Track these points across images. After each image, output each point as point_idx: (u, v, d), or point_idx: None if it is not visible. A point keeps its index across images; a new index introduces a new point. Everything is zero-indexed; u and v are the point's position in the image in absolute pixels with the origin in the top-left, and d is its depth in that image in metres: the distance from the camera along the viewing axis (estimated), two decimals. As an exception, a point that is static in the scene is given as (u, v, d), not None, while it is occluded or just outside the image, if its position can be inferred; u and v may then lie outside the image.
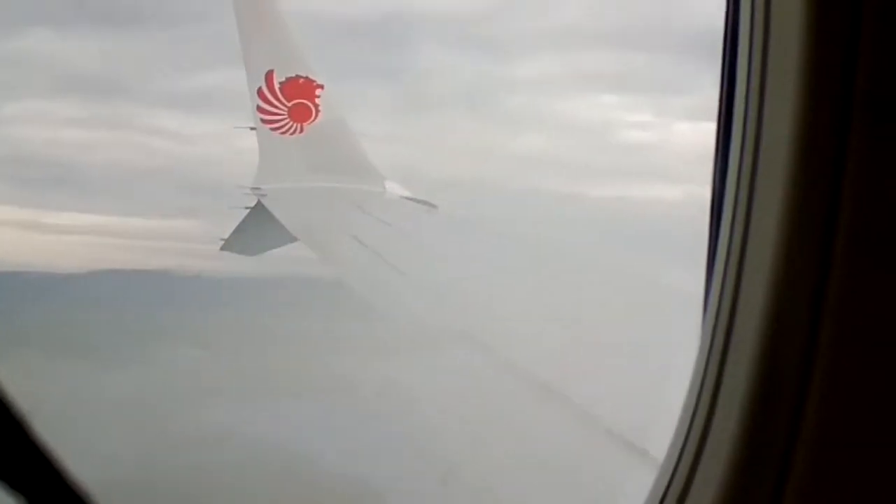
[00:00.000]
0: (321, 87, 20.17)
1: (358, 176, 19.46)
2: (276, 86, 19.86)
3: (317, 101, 20.07)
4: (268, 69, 19.87)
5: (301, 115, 20.01)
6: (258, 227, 18.66)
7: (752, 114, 1.69)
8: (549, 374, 7.34)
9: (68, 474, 1.40)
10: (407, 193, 19.14)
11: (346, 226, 16.32)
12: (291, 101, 19.94)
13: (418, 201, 18.55)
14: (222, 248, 20.06)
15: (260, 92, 19.86)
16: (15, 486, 1.35)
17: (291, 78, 19.93)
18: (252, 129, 20.05)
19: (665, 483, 1.87)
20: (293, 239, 17.12)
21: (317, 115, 20.08)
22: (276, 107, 19.92)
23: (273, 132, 19.93)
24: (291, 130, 19.99)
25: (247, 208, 19.14)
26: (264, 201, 18.66)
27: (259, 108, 19.92)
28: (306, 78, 20.08)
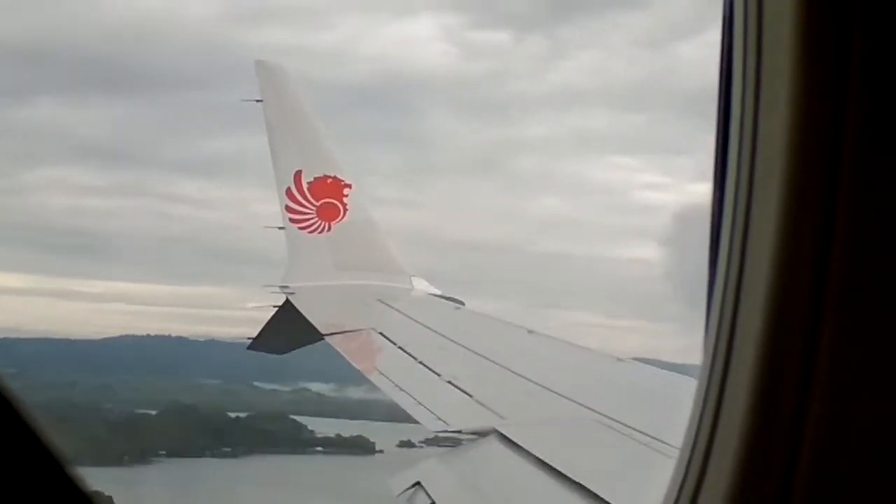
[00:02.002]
0: (349, 186, 20.39)
1: (385, 273, 19.55)
2: (305, 186, 20.09)
3: (345, 200, 20.28)
4: (296, 170, 20.13)
5: (329, 214, 20.20)
6: (286, 326, 18.69)
7: (748, 125, 1.73)
8: (577, 471, 7.26)
9: (75, 474, 1.42)
10: (435, 290, 19.18)
11: (374, 324, 16.32)
12: (320, 200, 20.14)
13: (446, 298, 18.57)
14: (249, 348, 20.10)
15: (289, 192, 20.09)
16: (24, 487, 1.37)
17: (320, 178, 20.17)
18: (280, 228, 20.24)
19: (679, 483, 1.88)
20: (321, 337, 17.11)
21: (345, 214, 20.27)
22: (304, 206, 20.13)
23: (301, 231, 20.10)
24: (319, 229, 20.17)
25: (274, 304, 19.17)
26: (293, 299, 18.71)
27: (287, 208, 20.13)
28: (334, 178, 20.32)
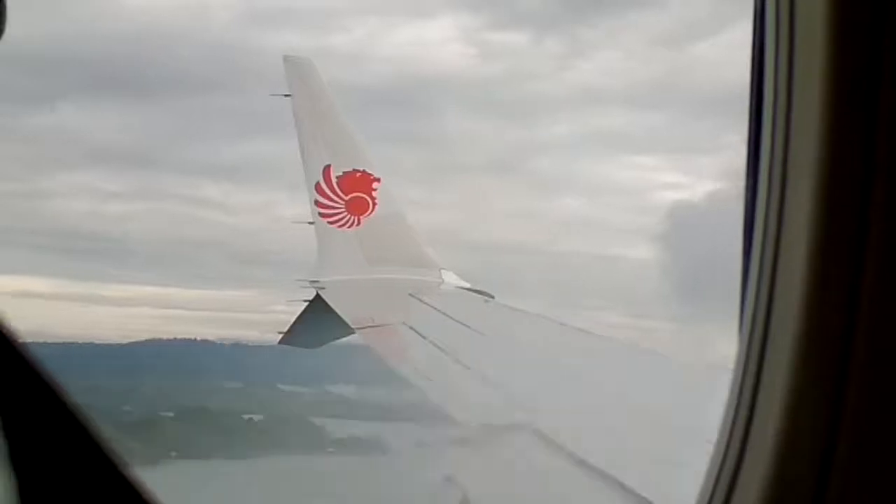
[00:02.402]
0: (378, 180, 20.42)
1: (415, 267, 19.57)
2: (334, 180, 20.13)
3: (374, 193, 20.31)
4: (325, 164, 20.18)
5: (358, 208, 20.23)
6: (317, 320, 18.76)
7: (780, 129, 1.72)
8: (612, 466, 7.25)
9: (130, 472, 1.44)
10: (464, 284, 19.19)
11: (405, 318, 16.35)
12: (349, 194, 20.18)
13: (476, 291, 18.58)
14: (280, 342, 20.17)
15: (318, 186, 20.13)
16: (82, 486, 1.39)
17: (349, 172, 20.21)
18: (310, 223, 20.29)
19: (711, 487, 1.89)
20: (351, 332, 17.17)
21: (374, 208, 20.30)
22: (333, 200, 20.17)
23: (331, 225, 20.15)
24: (349, 223, 20.21)
25: (304, 299, 19.22)
26: (323, 294, 18.77)
27: (317, 202, 20.17)
28: (363, 172, 20.35)
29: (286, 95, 20.23)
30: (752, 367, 1.78)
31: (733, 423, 1.82)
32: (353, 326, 16.79)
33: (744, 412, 1.79)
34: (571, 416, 9.53)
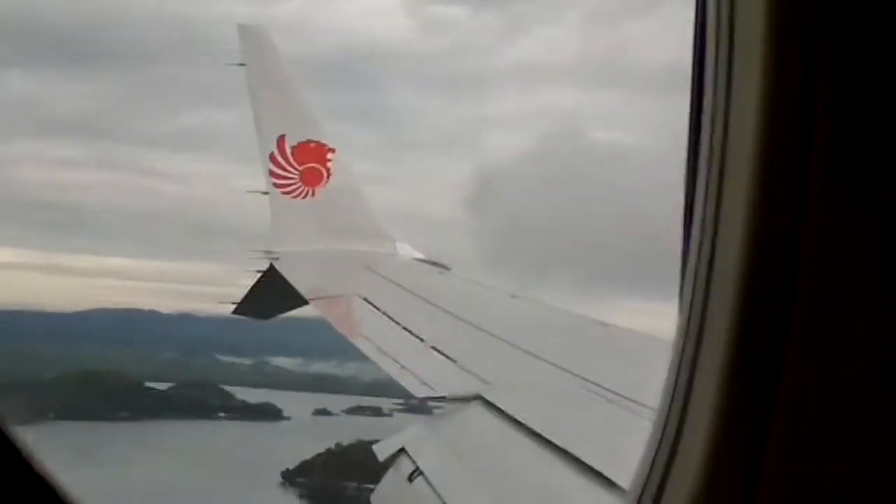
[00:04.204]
0: (333, 150, 20.31)
1: (369, 238, 19.52)
2: (288, 150, 20.00)
3: (328, 164, 20.20)
4: (280, 134, 20.03)
5: (313, 178, 20.13)
6: (270, 291, 18.67)
7: (719, 121, 1.73)
8: (567, 439, 7.28)
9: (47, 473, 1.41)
10: (419, 255, 19.17)
11: (359, 289, 16.30)
12: (303, 165, 20.07)
13: (431, 263, 18.56)
14: (234, 312, 20.08)
15: (272, 157, 20.00)
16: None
17: (303, 142, 20.09)
18: (265, 193, 20.16)
19: (641, 482, 1.90)
20: (305, 302, 17.10)
21: (328, 179, 20.19)
22: (288, 171, 20.05)
23: (285, 196, 20.03)
24: (304, 194, 20.11)
25: (259, 267, 19.13)
26: (277, 265, 18.69)
27: (271, 173, 20.05)
28: (318, 142, 20.23)
29: (240, 65, 20.05)
30: (686, 365, 1.79)
31: (666, 419, 1.83)
32: (307, 297, 16.72)
33: (676, 411, 1.80)
34: (526, 389, 9.55)
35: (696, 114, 1.85)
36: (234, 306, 19.77)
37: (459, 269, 18.13)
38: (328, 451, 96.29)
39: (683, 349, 1.81)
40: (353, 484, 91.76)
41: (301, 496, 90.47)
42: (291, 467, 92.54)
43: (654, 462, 1.87)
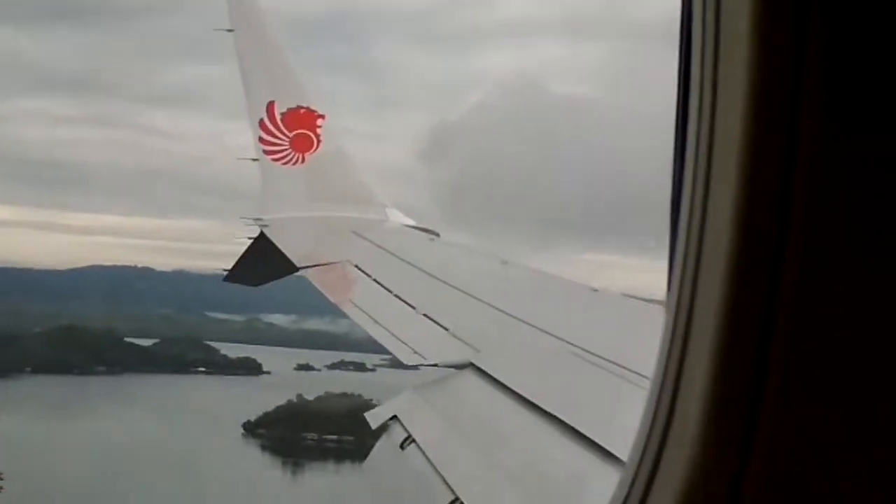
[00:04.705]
0: (322, 117, 20.24)
1: (360, 204, 19.49)
2: (278, 117, 19.93)
3: (318, 131, 20.14)
4: (269, 101, 19.95)
5: (302, 145, 20.07)
6: (262, 258, 18.65)
7: (706, 113, 1.73)
8: (559, 407, 7.31)
9: None
10: (410, 221, 19.15)
11: (349, 256, 16.30)
12: (293, 131, 20.01)
13: (421, 229, 18.55)
14: (226, 279, 20.07)
15: (261, 123, 19.93)
16: None
17: (293, 109, 20.01)
18: (254, 160, 20.11)
19: (628, 483, 1.91)
20: (296, 269, 17.09)
21: (318, 145, 20.14)
22: (277, 137, 19.99)
23: (275, 163, 19.98)
24: (293, 161, 20.06)
25: (249, 236, 19.11)
26: (267, 232, 18.66)
27: (261, 139, 19.99)
28: (307, 108, 20.16)
29: (228, 30, 19.92)
30: (674, 364, 1.80)
31: (653, 420, 1.84)
32: (297, 265, 16.71)
33: (663, 413, 1.81)
34: (518, 356, 9.58)
35: (682, 108, 1.85)
36: (228, 264, 19.76)
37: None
38: (288, 402, 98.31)
39: (671, 348, 1.81)
40: (313, 435, 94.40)
41: (263, 447, 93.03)
42: (253, 419, 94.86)
43: (640, 461, 1.87)
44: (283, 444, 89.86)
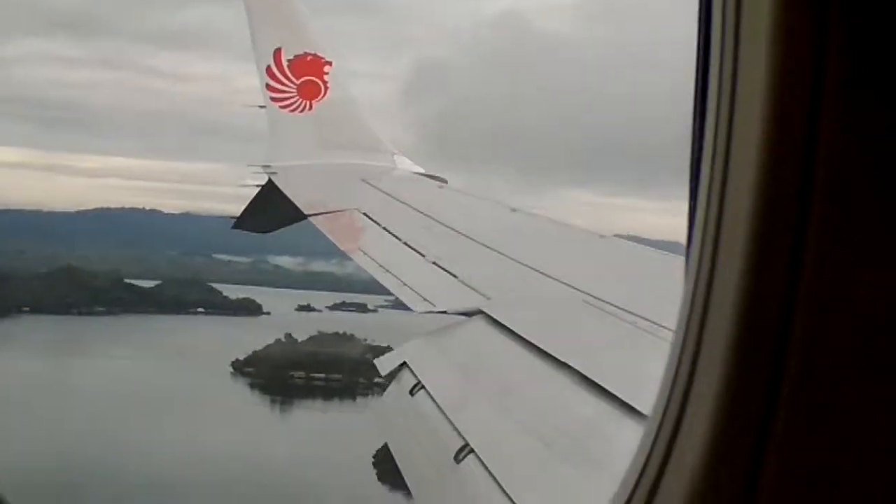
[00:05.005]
0: (329, 63, 20.12)
1: (368, 151, 19.42)
2: (285, 64, 19.81)
3: (325, 77, 20.02)
4: (276, 47, 19.82)
5: (310, 92, 19.97)
6: (270, 205, 18.64)
7: (724, 112, 1.71)
8: (570, 354, 7.30)
9: None
10: (418, 169, 19.09)
11: (358, 204, 16.27)
12: (300, 78, 19.90)
13: (430, 177, 18.50)
14: (234, 227, 20.08)
15: (269, 70, 19.82)
16: None
17: (300, 55, 19.89)
18: (261, 107, 20.02)
19: (635, 477, 1.90)
20: (304, 217, 17.08)
21: (325, 92, 20.03)
22: (284, 84, 19.88)
23: (282, 110, 19.89)
24: (300, 108, 19.97)
25: (257, 184, 19.08)
26: (275, 179, 18.63)
27: (268, 86, 19.89)
28: (314, 55, 20.03)
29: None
30: (686, 363, 1.79)
31: (662, 417, 1.83)
32: (305, 212, 16.69)
33: (674, 407, 1.80)
34: (528, 303, 9.56)
35: (700, 98, 1.82)
36: (236, 207, 19.77)
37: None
38: (277, 341, 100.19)
39: (684, 344, 1.79)
40: (301, 373, 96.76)
41: (252, 385, 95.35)
42: (242, 358, 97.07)
43: (649, 457, 1.86)
44: (272, 382, 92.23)
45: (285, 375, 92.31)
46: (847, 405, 1.64)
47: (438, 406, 7.54)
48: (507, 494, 5.69)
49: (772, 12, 1.60)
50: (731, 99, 1.69)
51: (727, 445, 1.69)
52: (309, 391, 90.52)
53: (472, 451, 6.48)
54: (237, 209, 19.68)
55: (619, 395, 5.99)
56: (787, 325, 1.63)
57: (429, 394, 7.89)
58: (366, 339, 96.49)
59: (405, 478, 7.22)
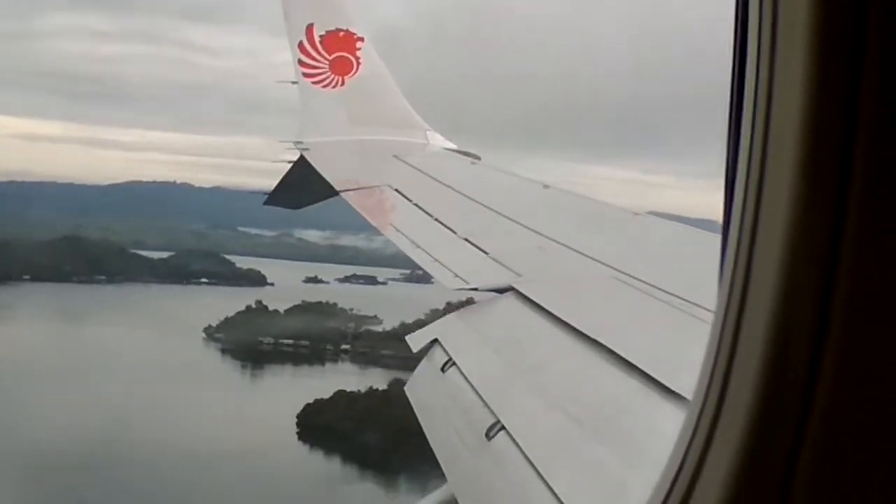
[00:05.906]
0: (362, 39, 20.08)
1: (400, 128, 19.39)
2: (317, 39, 19.79)
3: (357, 53, 19.99)
4: (308, 23, 19.80)
5: (342, 68, 19.95)
6: (302, 181, 18.66)
7: (760, 115, 1.69)
8: (600, 331, 7.26)
9: None
10: (451, 145, 19.05)
11: (389, 180, 16.24)
12: (332, 54, 19.88)
13: (462, 153, 18.46)
14: (266, 203, 20.13)
15: (301, 46, 19.81)
16: None
17: (332, 31, 19.86)
18: (294, 83, 20.02)
19: (669, 482, 1.89)
20: (335, 193, 17.09)
21: (358, 68, 20.00)
22: (317, 60, 19.86)
23: (315, 86, 19.88)
24: (333, 84, 19.95)
25: (289, 160, 19.10)
26: (307, 155, 18.64)
27: (300, 62, 19.88)
28: (346, 31, 20.00)
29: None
30: (722, 365, 1.77)
31: (698, 418, 1.82)
32: (336, 188, 16.69)
33: (710, 408, 1.79)
34: (560, 280, 9.52)
35: (736, 98, 1.79)
36: (269, 182, 19.82)
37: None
38: (247, 308, 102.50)
39: (717, 355, 1.77)
40: (269, 339, 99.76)
41: (223, 350, 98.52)
42: (214, 324, 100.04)
43: (683, 463, 1.85)
44: (242, 348, 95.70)
45: (254, 341, 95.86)
46: (884, 398, 1.62)
47: (470, 383, 7.52)
48: (537, 471, 5.66)
49: (809, 11, 1.57)
50: (767, 96, 1.67)
51: (764, 441, 1.68)
52: (279, 356, 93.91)
53: (503, 428, 6.45)
54: (269, 184, 19.73)
55: (653, 374, 5.93)
56: (825, 323, 1.61)
57: (460, 370, 7.86)
58: (352, 309, 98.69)
59: (436, 454, 7.20)
